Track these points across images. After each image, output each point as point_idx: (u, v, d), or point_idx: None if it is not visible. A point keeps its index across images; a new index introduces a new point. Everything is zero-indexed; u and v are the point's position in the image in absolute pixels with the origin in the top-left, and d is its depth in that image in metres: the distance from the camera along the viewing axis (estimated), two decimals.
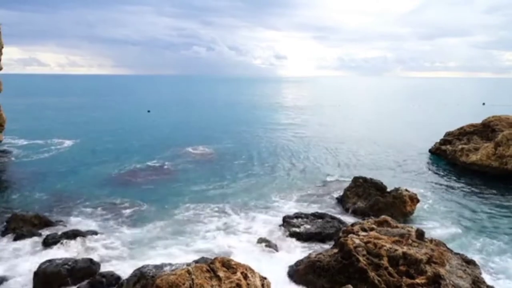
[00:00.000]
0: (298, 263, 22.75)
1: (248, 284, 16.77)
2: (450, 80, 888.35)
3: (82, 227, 28.72)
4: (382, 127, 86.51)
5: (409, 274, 19.32)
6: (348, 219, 30.03)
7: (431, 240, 22.73)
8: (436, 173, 46.06)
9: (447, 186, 40.91)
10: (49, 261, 22.41)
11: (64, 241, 25.84)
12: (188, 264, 19.32)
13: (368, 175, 38.09)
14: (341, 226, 27.48)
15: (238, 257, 19.35)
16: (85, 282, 21.27)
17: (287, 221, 29.07)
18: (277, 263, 23.46)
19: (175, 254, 24.58)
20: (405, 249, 20.57)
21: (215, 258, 18.06)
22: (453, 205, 35.20)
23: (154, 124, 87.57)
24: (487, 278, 21.11)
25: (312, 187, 40.14)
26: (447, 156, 50.05)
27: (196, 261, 21.04)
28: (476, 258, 23.86)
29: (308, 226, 28.21)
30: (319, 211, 31.57)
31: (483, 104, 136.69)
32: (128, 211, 32.87)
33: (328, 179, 43.10)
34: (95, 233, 27.60)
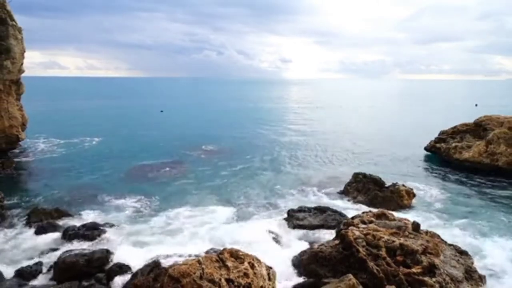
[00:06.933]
0: (301, 253, 22.77)
1: (255, 273, 16.80)
2: (445, 82, 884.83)
3: (100, 220, 28.85)
4: (380, 126, 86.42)
5: (406, 264, 19.31)
6: (349, 213, 29.93)
7: (426, 232, 22.72)
8: (431, 170, 46.00)
9: (441, 181, 40.85)
10: (68, 251, 22.58)
11: (83, 233, 25.97)
12: (199, 255, 19.37)
13: (367, 171, 38.12)
14: (342, 219, 27.46)
15: (245, 248, 19.33)
16: (102, 272, 21.42)
17: (291, 214, 29.09)
18: (282, 254, 23.46)
19: (186, 245, 24.64)
20: (402, 240, 20.56)
21: (224, 249, 18.10)
22: (447, 199, 35.12)
23: (167, 123, 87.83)
24: (479, 268, 21.06)
25: (314, 182, 40.14)
26: (441, 154, 49.88)
27: (206, 252, 21.09)
28: (469, 248, 23.79)
29: (311, 219, 28.23)
30: (322, 205, 31.54)
31: (476, 105, 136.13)
32: (142, 204, 33.00)
33: (330, 175, 43.13)
34: (112, 225, 27.73)
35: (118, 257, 22.83)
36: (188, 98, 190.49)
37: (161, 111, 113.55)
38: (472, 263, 21.12)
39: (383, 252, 19.83)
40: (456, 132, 51.11)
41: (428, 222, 28.66)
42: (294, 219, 28.43)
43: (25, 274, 21.20)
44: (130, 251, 23.78)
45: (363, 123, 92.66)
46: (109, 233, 26.55)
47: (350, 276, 17.51)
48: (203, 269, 16.15)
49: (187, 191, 36.79)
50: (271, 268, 18.21)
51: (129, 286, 18.94)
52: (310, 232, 27.15)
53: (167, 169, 44.87)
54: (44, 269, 21.96)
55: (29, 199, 34.10)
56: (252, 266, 17.07)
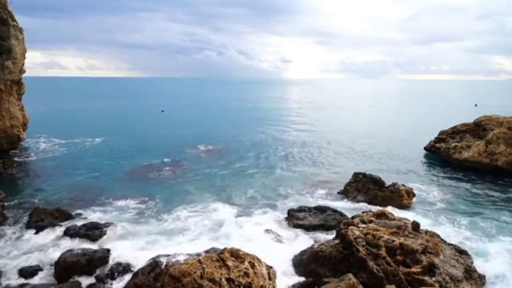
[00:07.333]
0: (302, 253, 22.77)
1: (255, 272, 16.81)
2: (444, 82, 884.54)
3: (100, 219, 28.87)
4: (380, 126, 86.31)
5: (406, 263, 19.33)
6: (349, 212, 29.94)
7: (426, 232, 22.74)
8: (430, 169, 45.98)
9: (441, 181, 40.82)
10: (69, 251, 22.60)
11: (83, 232, 26.02)
12: (199, 254, 19.37)
13: (367, 171, 38.09)
14: (342, 218, 27.50)
15: (245, 248, 19.33)
16: (102, 271, 21.46)
17: (291, 214, 29.14)
18: (283, 253, 23.46)
19: (186, 245, 24.63)
20: (401, 240, 20.57)
21: (224, 249, 18.11)
22: (447, 198, 35.10)
23: (167, 123, 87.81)
24: (478, 267, 21.08)
25: (314, 182, 40.13)
26: (441, 153, 49.87)
27: (207, 251, 21.09)
28: (469, 248, 23.82)
29: (311, 219, 28.26)
30: (322, 204, 31.55)
31: (475, 105, 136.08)
32: (143, 204, 32.98)
33: (330, 174, 43.18)
34: (113, 224, 27.74)
35: (119, 257, 22.89)
36: (188, 98, 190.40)
37: (162, 111, 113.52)
38: (472, 262, 21.18)
39: (383, 252, 19.84)
40: (456, 132, 51.11)
41: (428, 222, 28.67)
42: (295, 218, 28.47)
43: (26, 273, 21.26)
44: (131, 251, 23.83)
45: (363, 123, 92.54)
46: (110, 233, 26.61)
47: (350, 275, 17.52)
48: (203, 268, 16.16)
49: (188, 191, 36.78)
50: (271, 267, 18.23)
51: (130, 285, 18.96)
52: (310, 232, 27.18)
53: (168, 168, 44.87)
54: (45, 269, 21.99)
55: (30, 198, 34.09)
56: (253, 266, 17.09)
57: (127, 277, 20.60)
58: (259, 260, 17.77)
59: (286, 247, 24.83)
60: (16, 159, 47.97)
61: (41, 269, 21.87)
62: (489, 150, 43.59)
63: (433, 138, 54.20)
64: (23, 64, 49.68)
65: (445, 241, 22.81)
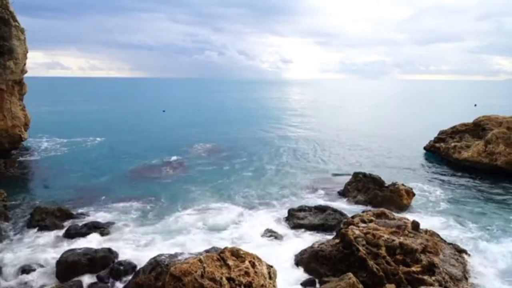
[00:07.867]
0: (302, 252, 22.78)
1: (255, 272, 16.80)
2: (444, 82, 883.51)
3: (102, 219, 28.85)
4: (380, 126, 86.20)
5: (406, 262, 19.33)
6: (349, 212, 29.92)
7: (426, 231, 22.74)
8: (430, 169, 45.95)
9: (441, 180, 40.80)
10: (71, 250, 22.55)
11: (85, 232, 26.05)
12: (200, 254, 19.36)
13: (367, 170, 38.07)
14: (342, 218, 27.47)
15: (246, 247, 19.34)
16: (104, 270, 21.45)
17: (291, 214, 29.12)
18: (283, 253, 23.46)
19: (187, 244, 24.64)
20: (401, 239, 20.58)
21: (225, 248, 18.09)
22: (447, 198, 35.07)
23: (168, 123, 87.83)
24: (478, 267, 21.08)
25: (314, 181, 40.09)
26: (441, 153, 49.89)
27: (207, 251, 21.08)
28: (468, 247, 23.81)
29: (311, 218, 28.23)
30: (322, 204, 31.54)
31: (475, 105, 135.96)
32: (144, 204, 32.90)
33: (330, 174, 43.15)
34: (114, 224, 27.77)
35: (120, 256, 22.92)
36: (189, 98, 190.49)
37: (163, 111, 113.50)
38: (471, 262, 21.17)
39: (383, 251, 19.85)
40: (456, 132, 51.13)
41: (428, 221, 28.61)
42: (295, 218, 28.46)
43: (28, 273, 21.23)
44: (132, 250, 23.86)
45: (363, 123, 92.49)
46: (111, 232, 26.65)
47: (350, 274, 17.52)
48: (204, 268, 16.16)
49: (189, 190, 36.76)
50: (271, 266, 18.21)
51: (131, 285, 18.95)
52: (311, 231, 27.16)
53: (169, 168, 44.88)
54: (47, 268, 21.96)
55: (32, 198, 34.08)
56: (253, 265, 17.08)
57: (129, 276, 20.61)
58: (259, 260, 17.75)
59: (286, 246, 24.82)
60: (18, 158, 48.00)
61: (43, 269, 21.86)
62: (489, 150, 43.59)
63: (432, 138, 54.23)
64: (24, 64, 49.69)
65: (445, 241, 22.82)
